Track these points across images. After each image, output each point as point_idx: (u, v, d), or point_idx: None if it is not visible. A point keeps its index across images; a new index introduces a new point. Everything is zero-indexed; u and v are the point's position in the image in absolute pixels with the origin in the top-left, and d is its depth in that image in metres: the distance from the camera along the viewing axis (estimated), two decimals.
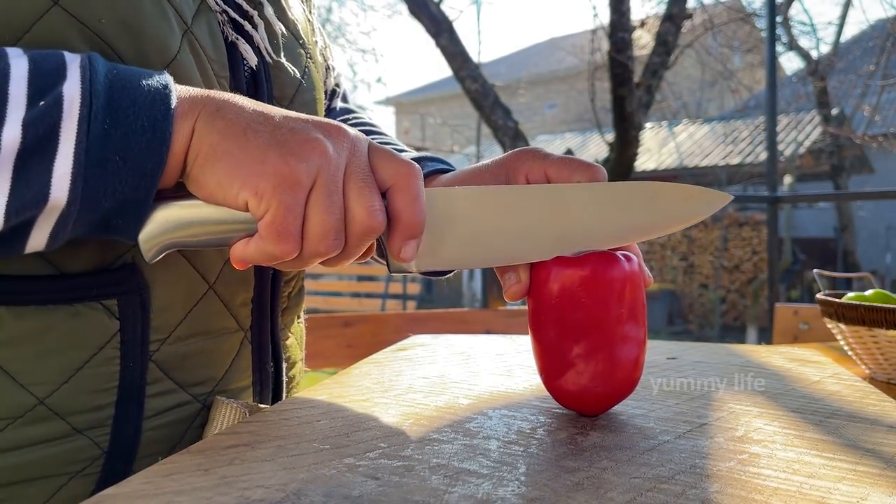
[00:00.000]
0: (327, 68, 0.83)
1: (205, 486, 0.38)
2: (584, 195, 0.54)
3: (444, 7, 5.43)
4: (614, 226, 0.54)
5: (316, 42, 0.77)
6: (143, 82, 0.44)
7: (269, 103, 0.62)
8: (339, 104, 0.88)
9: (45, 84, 0.42)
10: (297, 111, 0.65)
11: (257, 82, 0.61)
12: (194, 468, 0.41)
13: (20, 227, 0.43)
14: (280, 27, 0.64)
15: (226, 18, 0.59)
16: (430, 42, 4.85)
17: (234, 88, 0.59)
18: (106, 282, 0.52)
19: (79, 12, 0.47)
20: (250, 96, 0.61)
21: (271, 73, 0.63)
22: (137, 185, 0.43)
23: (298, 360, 0.74)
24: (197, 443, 0.46)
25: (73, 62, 0.43)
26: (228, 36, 0.59)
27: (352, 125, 0.82)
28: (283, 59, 0.64)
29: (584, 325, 0.51)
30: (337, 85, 0.86)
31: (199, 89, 0.47)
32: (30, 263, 0.50)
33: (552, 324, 0.52)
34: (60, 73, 0.43)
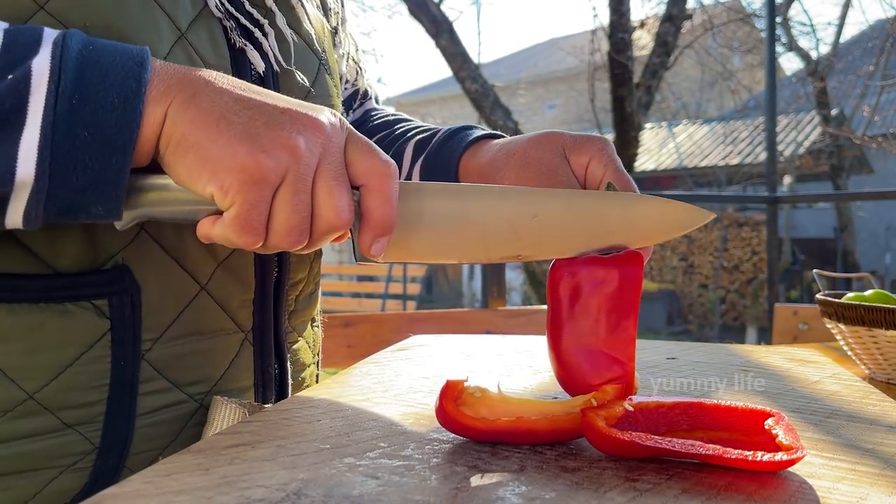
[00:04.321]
0: (357, 71, 0.83)
1: (205, 486, 0.38)
2: (559, 203, 0.53)
3: (444, 7, 5.43)
4: (586, 236, 0.53)
5: (345, 53, 0.77)
6: (118, 59, 0.44)
7: None
8: (370, 104, 0.88)
9: (15, 58, 0.42)
10: None
11: (265, 88, 0.62)
12: (194, 468, 0.41)
13: None
14: (292, 36, 0.64)
15: (234, 25, 0.59)
16: (430, 42, 4.85)
17: None
18: (97, 282, 0.52)
19: (64, 16, 0.47)
20: None
21: (279, 80, 0.63)
22: (108, 162, 0.43)
23: (310, 363, 0.74)
24: (197, 443, 0.46)
25: (48, 38, 0.43)
26: (236, 42, 0.59)
27: (377, 124, 0.82)
28: (293, 68, 0.64)
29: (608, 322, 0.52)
30: (368, 85, 0.86)
31: (178, 68, 0.46)
32: (23, 262, 0.50)
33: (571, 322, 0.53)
34: (32, 48, 0.43)
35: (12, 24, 0.44)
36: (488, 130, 0.68)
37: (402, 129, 0.78)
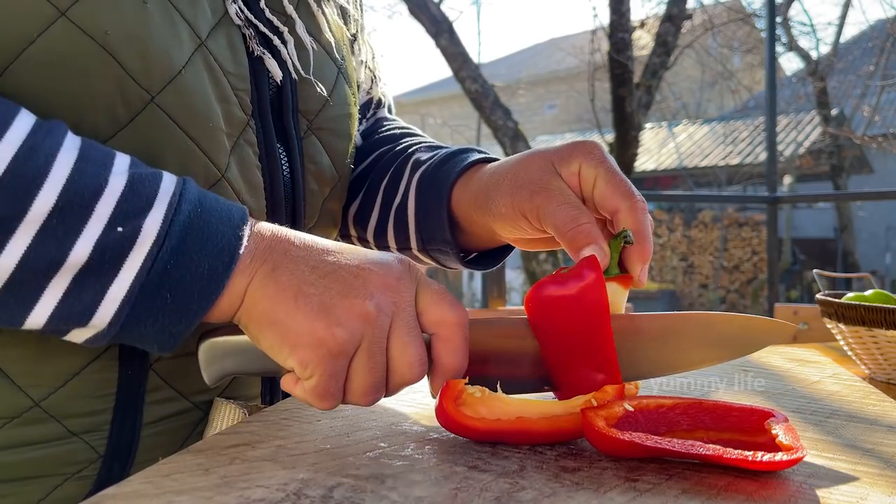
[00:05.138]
0: (373, 79, 0.82)
1: (205, 486, 0.38)
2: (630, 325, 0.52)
3: (444, 7, 5.42)
4: (667, 360, 0.53)
5: (363, 61, 0.77)
6: (220, 228, 0.45)
7: (293, 117, 0.62)
8: (383, 114, 0.87)
9: (130, 210, 0.44)
10: (322, 126, 0.65)
11: (282, 96, 0.61)
12: (194, 468, 0.41)
13: (59, 331, 0.45)
14: (311, 44, 0.64)
15: (253, 33, 0.58)
16: (430, 42, 4.85)
17: (258, 101, 0.59)
18: None
19: (85, 24, 0.47)
20: (275, 110, 0.61)
21: (298, 88, 0.63)
22: (177, 321, 0.45)
23: None
24: (197, 443, 0.46)
25: (165, 194, 0.45)
26: (254, 50, 0.58)
27: (386, 133, 0.80)
28: (312, 76, 0.64)
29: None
30: (383, 94, 0.85)
31: (264, 234, 0.47)
32: None
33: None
34: (148, 204, 0.44)
35: (134, 162, 0.46)
36: (484, 154, 0.66)
37: (405, 145, 0.76)
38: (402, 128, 0.82)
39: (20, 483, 0.51)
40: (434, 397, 0.50)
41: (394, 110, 0.89)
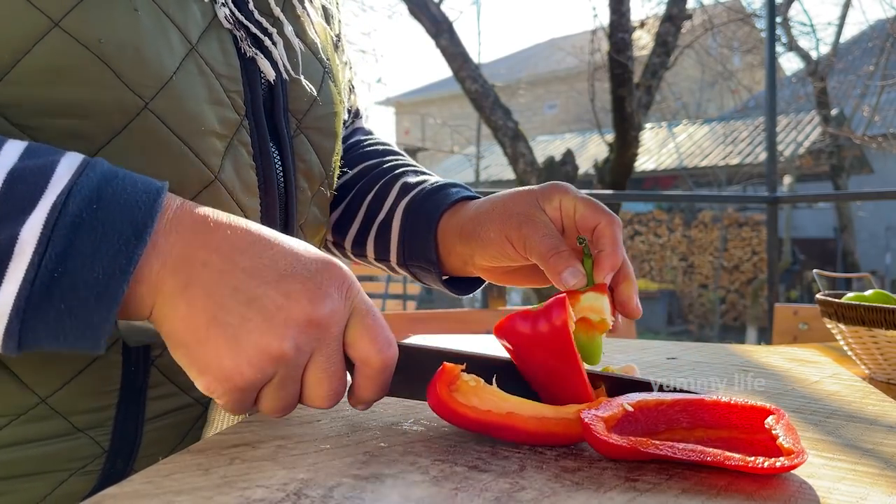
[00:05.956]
0: (350, 89, 0.84)
1: (205, 486, 0.38)
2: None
3: (444, 7, 5.42)
4: None
5: (346, 62, 0.79)
6: (117, 225, 0.40)
7: (284, 116, 0.63)
8: (360, 125, 0.89)
9: (7, 214, 0.39)
10: (310, 125, 0.66)
11: (274, 96, 0.62)
12: (194, 468, 0.41)
13: None
14: (299, 45, 0.65)
15: (244, 35, 0.59)
16: (430, 42, 4.85)
17: (251, 102, 0.59)
18: None
19: (78, 33, 0.47)
20: (267, 109, 0.62)
21: (288, 88, 0.64)
22: (83, 335, 0.41)
23: None
24: (197, 443, 0.46)
25: (53, 190, 0.40)
26: (246, 52, 0.59)
27: (367, 150, 0.83)
28: (301, 76, 0.65)
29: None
30: (361, 107, 0.88)
31: (181, 232, 0.42)
32: None
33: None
34: (31, 204, 0.39)
35: (28, 152, 0.41)
36: (469, 192, 0.73)
37: (391, 164, 0.80)
38: (384, 144, 0.86)
39: (26, 479, 0.51)
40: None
41: (369, 120, 0.92)
